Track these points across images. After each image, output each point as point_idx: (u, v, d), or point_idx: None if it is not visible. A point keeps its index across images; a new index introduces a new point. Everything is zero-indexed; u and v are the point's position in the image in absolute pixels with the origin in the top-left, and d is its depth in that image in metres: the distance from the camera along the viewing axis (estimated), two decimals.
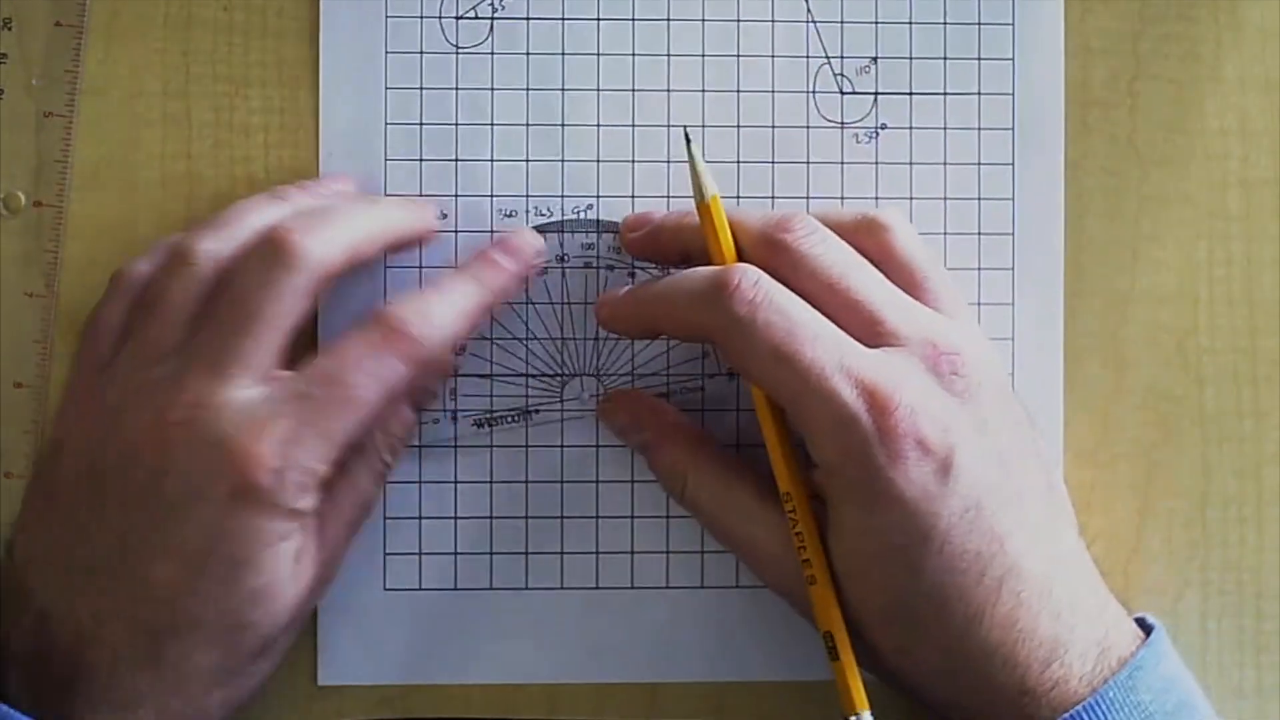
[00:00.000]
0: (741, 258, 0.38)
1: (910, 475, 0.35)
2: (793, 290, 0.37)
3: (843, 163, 0.43)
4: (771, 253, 0.38)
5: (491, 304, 0.40)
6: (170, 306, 0.37)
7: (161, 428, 0.35)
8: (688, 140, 0.39)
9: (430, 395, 0.41)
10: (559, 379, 0.42)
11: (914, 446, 0.35)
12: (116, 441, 0.36)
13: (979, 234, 0.43)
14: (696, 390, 0.43)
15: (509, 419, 0.42)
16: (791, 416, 0.37)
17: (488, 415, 0.42)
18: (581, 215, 0.43)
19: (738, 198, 0.42)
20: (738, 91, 0.43)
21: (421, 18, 0.42)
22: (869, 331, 0.37)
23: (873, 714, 0.37)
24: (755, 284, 0.36)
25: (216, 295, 0.37)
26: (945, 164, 0.43)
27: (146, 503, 0.35)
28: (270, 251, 0.36)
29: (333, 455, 0.36)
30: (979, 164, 0.43)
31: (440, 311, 0.38)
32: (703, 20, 0.43)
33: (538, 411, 0.42)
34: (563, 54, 0.43)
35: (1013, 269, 0.43)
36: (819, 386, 0.35)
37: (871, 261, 0.38)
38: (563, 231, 0.42)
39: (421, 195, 0.42)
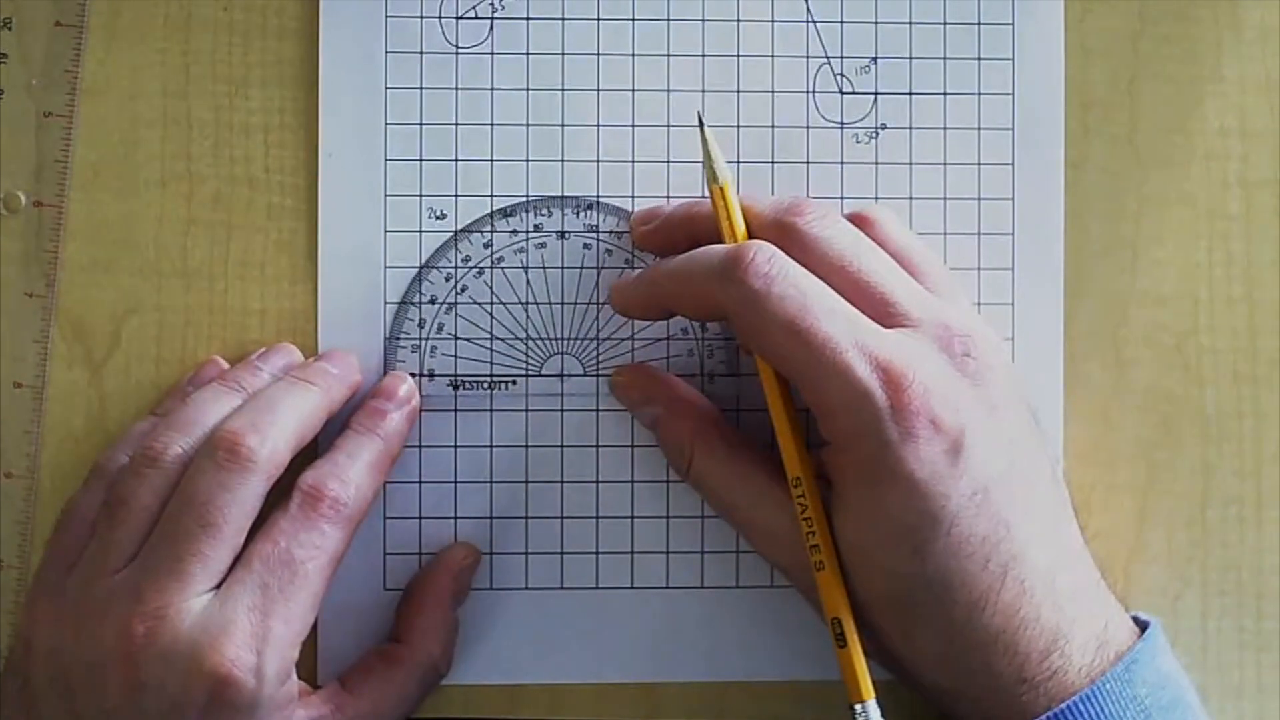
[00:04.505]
0: None
1: (921, 454, 0.35)
2: None
3: (843, 163, 0.43)
4: (782, 236, 0.38)
5: (394, 450, 0.40)
6: (136, 511, 0.37)
7: (128, 639, 0.35)
8: (701, 124, 0.40)
9: (465, 593, 0.42)
10: (555, 342, 0.42)
11: (927, 425, 0.35)
12: (83, 652, 0.36)
13: (979, 234, 0.43)
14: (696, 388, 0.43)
15: (507, 383, 0.42)
16: (804, 392, 0.37)
17: (488, 379, 0.42)
18: (582, 214, 0.43)
19: None
20: (738, 91, 0.43)
21: (421, 18, 0.42)
22: (881, 312, 0.37)
23: (879, 703, 0.37)
24: (770, 259, 0.36)
25: (173, 498, 0.37)
26: (945, 164, 0.43)
27: (126, 717, 0.36)
28: (224, 456, 0.37)
29: (302, 635, 0.37)
30: (979, 164, 0.43)
31: (354, 470, 0.39)
32: (703, 20, 0.43)
33: (538, 376, 0.42)
34: (563, 54, 0.43)
35: (1013, 269, 0.43)
36: (833, 361, 0.35)
37: None
38: (563, 208, 0.42)
39: (421, 196, 0.42)
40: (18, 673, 0.38)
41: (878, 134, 0.43)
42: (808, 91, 0.43)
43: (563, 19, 0.43)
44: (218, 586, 0.36)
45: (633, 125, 0.43)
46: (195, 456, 0.37)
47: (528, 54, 0.43)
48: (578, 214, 0.43)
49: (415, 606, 0.41)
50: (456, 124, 0.43)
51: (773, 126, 0.43)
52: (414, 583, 0.42)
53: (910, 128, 0.43)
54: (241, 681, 0.35)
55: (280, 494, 0.38)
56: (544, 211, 0.43)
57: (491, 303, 0.42)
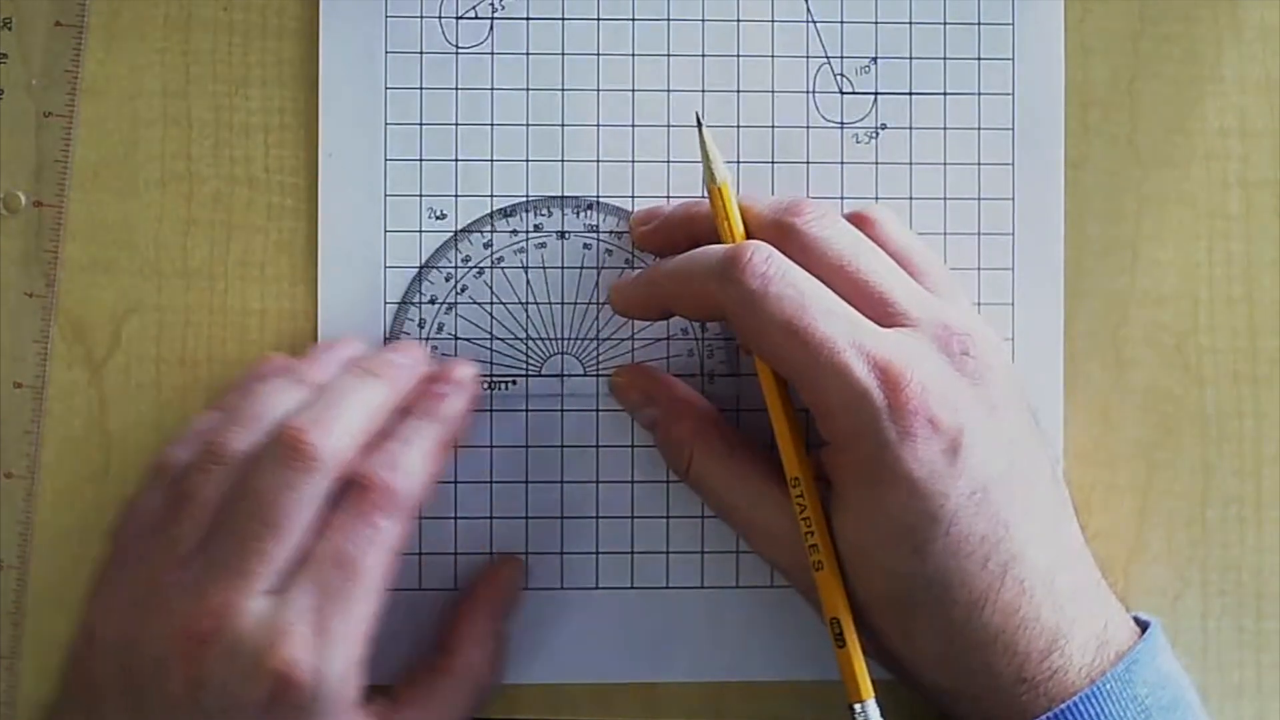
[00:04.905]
0: None
1: (919, 454, 0.35)
2: None
3: (842, 163, 0.43)
4: (781, 236, 0.38)
5: (451, 435, 0.40)
6: (201, 507, 0.37)
7: (191, 637, 0.35)
8: (699, 124, 0.40)
9: (512, 606, 0.42)
10: (555, 342, 0.42)
11: (925, 424, 0.35)
12: (146, 647, 0.36)
13: (979, 234, 0.43)
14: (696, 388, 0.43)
15: (506, 384, 0.42)
16: (802, 392, 0.37)
17: (487, 379, 0.42)
18: (582, 214, 0.43)
19: None
20: (738, 91, 0.43)
21: (421, 18, 0.42)
22: (880, 312, 0.37)
23: (878, 703, 0.37)
24: (767, 259, 0.36)
25: (236, 495, 0.36)
26: (945, 164, 0.43)
27: (187, 713, 0.35)
28: (288, 454, 0.36)
29: (364, 631, 0.36)
30: (979, 164, 0.43)
31: (410, 459, 0.38)
32: (703, 20, 0.43)
33: (538, 376, 0.42)
34: (563, 54, 0.43)
35: (1013, 269, 0.43)
36: (831, 361, 0.35)
37: None
38: (563, 208, 0.42)
39: (421, 196, 0.42)
40: (80, 665, 0.37)
41: (878, 134, 0.43)
42: (808, 91, 0.43)
43: (563, 19, 0.43)
44: (281, 585, 0.36)
45: (633, 125, 0.43)
46: (258, 453, 0.37)
47: (528, 54, 0.43)
48: (578, 214, 0.43)
49: (461, 617, 0.41)
50: (456, 124, 0.43)
51: (773, 126, 0.43)
52: (461, 594, 0.42)
53: (910, 128, 0.43)
54: (302, 682, 0.35)
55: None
56: (544, 211, 0.43)
57: (491, 303, 0.42)
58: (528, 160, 0.43)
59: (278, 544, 0.36)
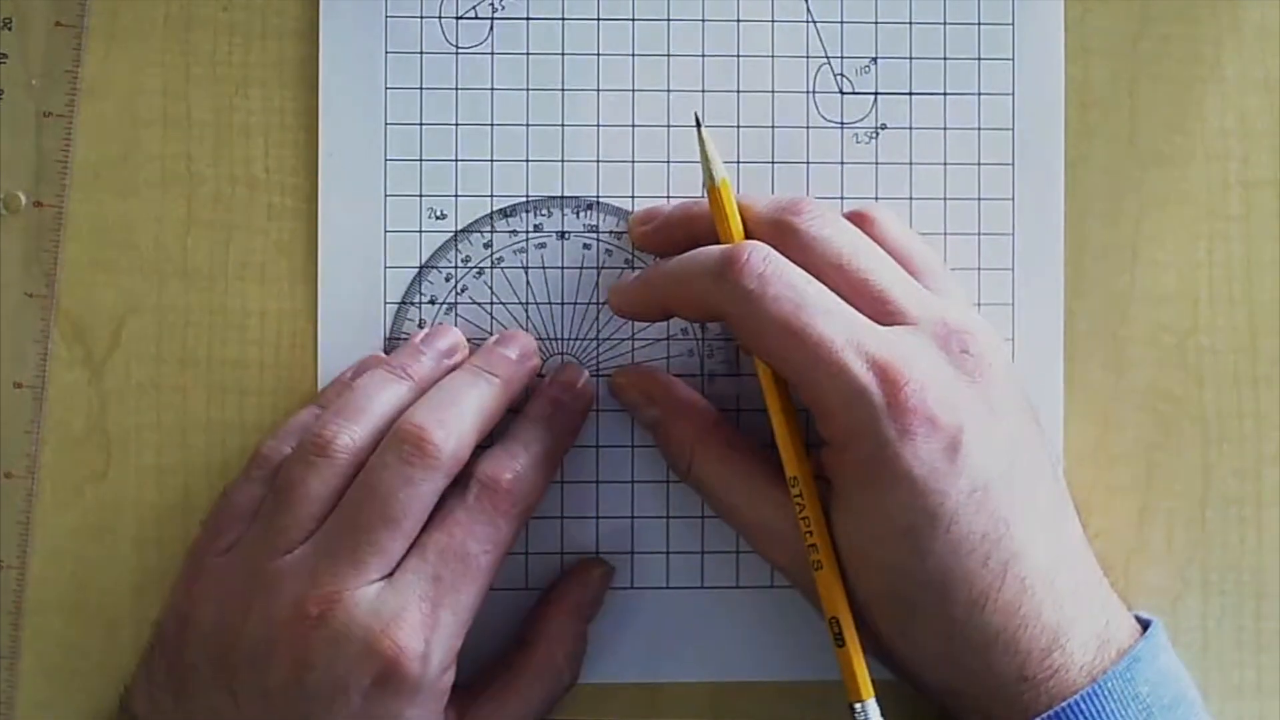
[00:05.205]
0: None
1: (919, 452, 0.35)
2: None
3: (842, 163, 0.43)
4: (780, 235, 0.38)
5: (568, 444, 0.41)
6: (305, 498, 0.37)
7: (300, 620, 0.35)
8: (698, 124, 0.40)
9: (597, 606, 0.42)
10: (555, 342, 0.42)
11: (923, 422, 0.35)
12: (250, 630, 0.36)
13: (979, 234, 0.43)
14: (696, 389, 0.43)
15: None
16: (800, 392, 0.37)
17: None
18: (582, 214, 0.43)
19: None
20: (738, 91, 0.43)
21: (421, 18, 0.42)
22: (879, 310, 0.37)
23: (878, 702, 0.37)
24: (765, 259, 0.36)
25: (353, 487, 0.37)
26: (945, 164, 0.43)
27: (288, 695, 0.36)
28: (410, 451, 0.37)
29: (467, 625, 0.37)
30: (979, 164, 0.43)
31: (529, 461, 0.39)
32: (703, 20, 0.43)
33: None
34: (563, 54, 0.43)
35: (1013, 269, 0.43)
36: (829, 361, 0.35)
37: None
38: (563, 208, 0.42)
39: (421, 196, 0.42)
40: (168, 653, 0.38)
41: (878, 134, 0.43)
42: (808, 91, 0.43)
43: (563, 19, 0.43)
44: (389, 574, 0.36)
45: (633, 125, 0.43)
46: (379, 448, 0.37)
47: (528, 54, 0.43)
48: (578, 214, 0.43)
49: (544, 614, 0.41)
50: (456, 124, 0.43)
51: (773, 126, 0.43)
52: (547, 591, 0.42)
53: (910, 128, 0.43)
54: (408, 667, 0.35)
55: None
56: (544, 211, 0.43)
57: (491, 303, 0.42)
58: (528, 160, 0.43)
59: (393, 537, 0.36)
